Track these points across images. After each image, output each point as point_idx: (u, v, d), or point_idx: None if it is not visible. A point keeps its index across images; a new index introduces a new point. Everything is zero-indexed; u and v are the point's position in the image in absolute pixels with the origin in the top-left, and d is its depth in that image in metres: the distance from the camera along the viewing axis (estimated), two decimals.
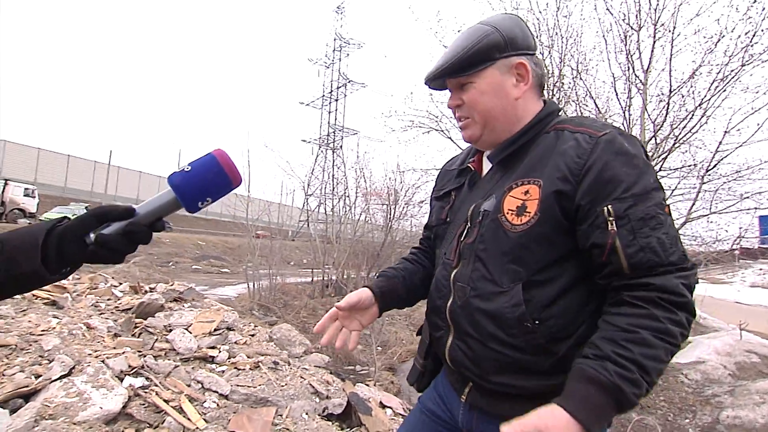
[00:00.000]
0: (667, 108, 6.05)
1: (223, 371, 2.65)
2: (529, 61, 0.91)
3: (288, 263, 11.43)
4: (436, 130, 7.87)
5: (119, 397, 2.06)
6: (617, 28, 6.28)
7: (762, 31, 5.41)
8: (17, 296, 3.03)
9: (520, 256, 0.83)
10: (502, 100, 0.90)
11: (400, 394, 3.85)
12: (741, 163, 5.88)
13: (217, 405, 2.28)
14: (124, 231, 0.59)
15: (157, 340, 2.85)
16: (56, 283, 3.43)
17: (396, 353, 5.46)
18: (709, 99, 5.79)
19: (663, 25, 5.99)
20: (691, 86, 5.96)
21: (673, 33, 5.90)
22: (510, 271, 0.84)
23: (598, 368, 0.71)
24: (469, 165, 1.02)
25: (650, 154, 6.20)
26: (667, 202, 0.79)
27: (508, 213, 0.84)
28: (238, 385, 2.46)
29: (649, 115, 6.32)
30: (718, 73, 5.68)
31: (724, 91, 5.73)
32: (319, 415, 2.55)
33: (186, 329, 3.02)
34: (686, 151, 6.33)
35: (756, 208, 5.88)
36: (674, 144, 6.09)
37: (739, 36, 5.53)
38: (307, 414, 2.47)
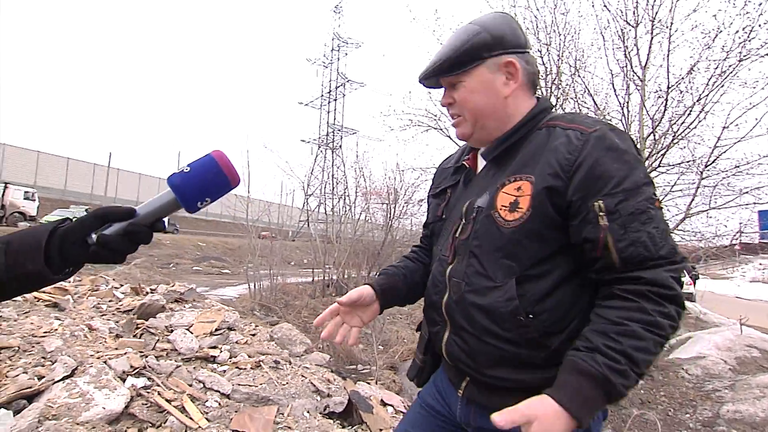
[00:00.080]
0: (666, 104, 6.05)
1: (225, 371, 2.66)
2: (519, 59, 0.91)
3: (288, 263, 11.44)
4: (435, 128, 7.87)
5: (122, 398, 2.08)
6: (615, 24, 6.28)
7: (759, 26, 5.42)
8: (19, 298, 3.05)
9: (513, 251, 0.84)
10: (491, 98, 0.91)
11: (402, 393, 3.86)
12: (740, 158, 5.88)
13: (219, 404, 2.30)
14: (125, 231, 0.60)
15: (158, 340, 2.87)
16: (58, 286, 3.45)
17: (397, 352, 5.47)
18: (708, 94, 5.78)
19: (660, 21, 5.99)
20: (689, 82, 5.96)
21: (670, 29, 5.90)
22: (503, 267, 0.85)
23: (588, 360, 0.73)
24: (464, 162, 1.03)
25: (649, 150, 6.21)
26: (659, 197, 0.80)
27: (501, 209, 0.86)
28: (239, 385, 2.48)
29: (647, 111, 6.32)
30: (715, 69, 5.68)
31: (722, 86, 5.73)
32: (320, 413, 2.57)
33: (187, 329, 3.03)
34: (685, 147, 6.33)
35: (755, 203, 5.88)
36: (673, 140, 6.09)
37: (737, 31, 5.53)
38: (308, 412, 2.48)
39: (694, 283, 13.94)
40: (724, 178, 5.98)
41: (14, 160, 23.80)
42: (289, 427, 2.28)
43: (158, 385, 2.30)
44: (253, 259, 7.54)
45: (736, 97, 5.77)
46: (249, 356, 2.88)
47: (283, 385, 2.60)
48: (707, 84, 5.75)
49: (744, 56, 5.52)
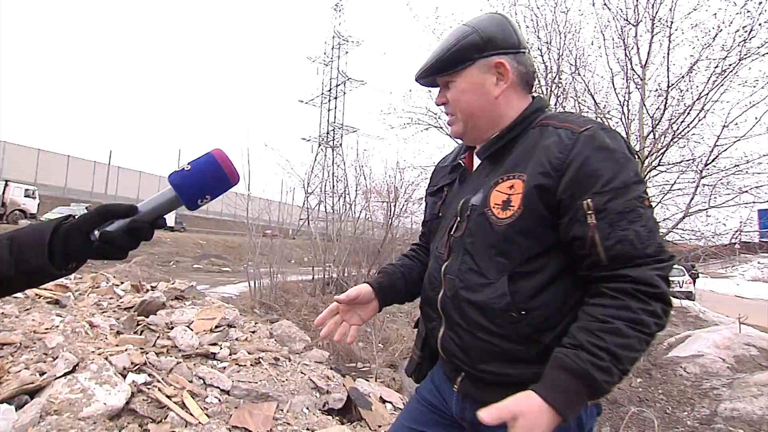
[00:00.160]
0: (666, 103, 6.05)
1: (225, 367, 2.68)
2: (511, 59, 0.93)
3: (289, 261, 11.47)
4: (435, 126, 7.89)
5: (122, 393, 2.10)
6: (615, 23, 6.28)
7: (759, 25, 5.42)
8: (20, 295, 3.07)
9: (506, 248, 0.86)
10: (482, 98, 0.93)
11: (401, 391, 3.88)
12: (739, 157, 5.88)
13: (219, 400, 2.32)
14: (127, 228, 0.62)
15: (159, 337, 2.89)
16: (59, 283, 3.47)
17: (397, 350, 5.48)
18: (708, 93, 5.78)
19: (660, 19, 5.99)
20: (690, 81, 5.96)
21: (670, 27, 5.90)
22: (496, 264, 0.86)
23: (572, 356, 0.75)
24: (460, 161, 1.05)
25: (649, 148, 6.21)
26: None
27: (494, 207, 0.87)
28: (239, 381, 2.49)
29: (647, 110, 6.32)
30: (716, 68, 5.68)
31: (722, 85, 5.74)
32: (319, 409, 2.59)
33: (187, 326, 3.05)
34: (685, 146, 6.33)
35: (754, 202, 5.88)
36: (672, 138, 6.09)
37: (737, 30, 5.53)
38: (307, 409, 2.50)
39: (694, 282, 13.99)
40: (723, 176, 5.98)
41: (15, 157, 23.82)
42: (289, 423, 2.30)
43: (159, 382, 2.32)
44: (253, 257, 7.54)
45: (736, 95, 5.76)
46: (249, 353, 2.90)
47: (283, 381, 2.62)
48: (707, 82, 5.75)
49: (744, 55, 5.52)
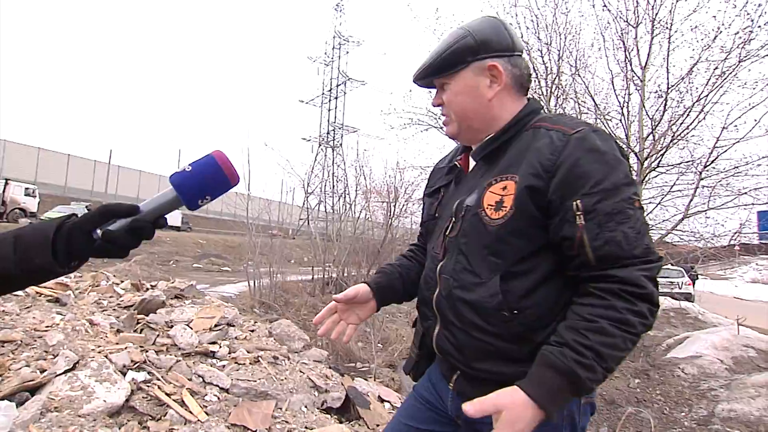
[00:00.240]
0: (665, 104, 6.06)
1: (224, 366, 2.69)
2: (505, 62, 0.94)
3: (288, 261, 11.48)
4: (435, 127, 7.91)
5: (122, 391, 2.11)
6: (615, 24, 6.30)
7: (759, 27, 5.43)
8: (21, 293, 3.08)
9: (499, 248, 0.87)
10: (475, 100, 0.95)
11: (401, 391, 3.89)
12: (739, 158, 5.88)
13: (218, 398, 2.33)
14: (129, 227, 0.63)
15: (158, 335, 2.90)
16: (59, 281, 3.48)
17: (397, 350, 5.49)
18: (707, 95, 5.80)
19: (660, 21, 6.00)
20: (689, 82, 5.98)
21: (670, 29, 5.92)
22: (489, 263, 0.88)
23: (557, 354, 0.76)
24: (456, 163, 1.07)
25: (648, 150, 6.22)
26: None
27: (487, 208, 0.89)
28: (238, 379, 2.51)
29: (647, 112, 6.34)
30: (715, 69, 5.70)
31: (722, 87, 5.75)
32: (318, 408, 2.60)
33: (187, 325, 3.07)
34: (684, 147, 6.34)
35: (753, 204, 5.89)
36: (672, 140, 6.10)
37: (737, 32, 5.54)
38: (306, 407, 2.52)
39: (693, 284, 13.99)
40: (723, 178, 5.99)
41: (15, 156, 23.83)
42: (287, 422, 2.31)
43: (158, 379, 2.33)
44: (253, 257, 7.55)
45: (736, 97, 5.78)
46: (248, 352, 2.91)
47: (282, 380, 2.63)
48: (706, 84, 5.76)
49: (744, 57, 5.54)
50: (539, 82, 6.93)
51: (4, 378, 2.06)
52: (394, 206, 9.09)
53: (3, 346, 2.31)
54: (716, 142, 5.79)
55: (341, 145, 36.13)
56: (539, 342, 0.83)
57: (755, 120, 5.56)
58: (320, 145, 37.55)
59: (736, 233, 6.21)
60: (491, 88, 0.94)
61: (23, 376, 2.05)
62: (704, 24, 5.76)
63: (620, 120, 6.53)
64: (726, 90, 5.77)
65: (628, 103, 6.46)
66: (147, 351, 2.59)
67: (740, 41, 5.48)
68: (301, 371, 2.82)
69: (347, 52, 38.69)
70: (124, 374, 2.29)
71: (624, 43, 6.22)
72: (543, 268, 0.86)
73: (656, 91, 6.26)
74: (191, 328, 3.02)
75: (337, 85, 38.54)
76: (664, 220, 6.46)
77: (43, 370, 2.15)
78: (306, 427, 2.33)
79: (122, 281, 4.36)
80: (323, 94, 39.19)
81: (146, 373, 2.36)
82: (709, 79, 5.74)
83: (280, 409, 2.41)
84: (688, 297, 12.39)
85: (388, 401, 3.04)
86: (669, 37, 5.93)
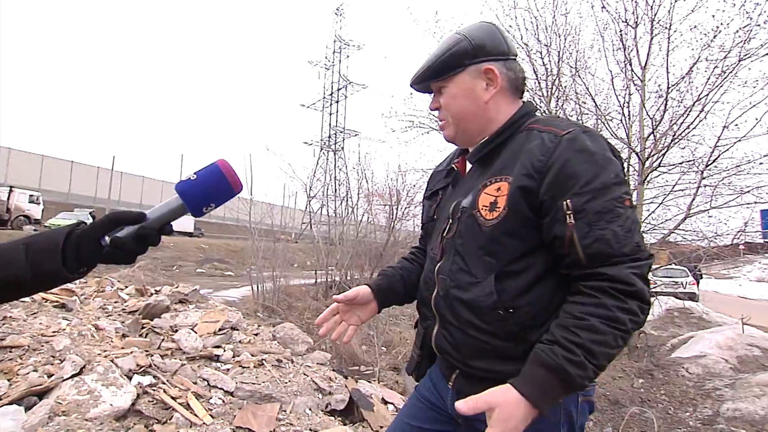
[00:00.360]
0: (666, 104, 6.06)
1: (228, 369, 2.72)
2: (500, 66, 0.96)
3: (291, 265, 11.50)
4: (436, 129, 7.92)
5: (128, 395, 2.13)
6: (614, 25, 6.32)
7: (758, 26, 5.43)
8: (27, 299, 3.11)
9: (493, 249, 0.89)
10: (472, 103, 0.97)
11: (405, 394, 3.90)
12: (740, 157, 5.88)
13: (223, 401, 2.35)
14: (136, 234, 0.65)
15: (163, 339, 2.93)
16: (65, 287, 3.51)
17: (400, 353, 5.49)
18: (708, 94, 5.80)
19: (660, 21, 6.01)
20: (689, 82, 5.98)
21: (669, 29, 5.92)
22: (484, 263, 0.90)
23: (548, 352, 0.78)
24: (453, 166, 1.09)
25: (649, 150, 6.22)
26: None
27: (482, 209, 0.91)
28: (242, 383, 2.53)
29: (647, 112, 6.34)
30: (715, 68, 5.70)
31: (722, 86, 5.75)
32: (322, 410, 2.62)
33: (191, 329, 3.09)
34: (685, 147, 6.34)
35: (756, 203, 5.87)
36: (673, 139, 6.10)
37: (737, 31, 5.55)
38: (310, 410, 2.53)
39: (698, 283, 13.91)
40: (725, 177, 5.98)
41: (19, 164, 24.00)
42: (291, 424, 2.33)
43: (164, 383, 2.35)
44: (256, 261, 7.58)
45: (737, 96, 5.79)
46: (252, 355, 2.93)
47: (286, 383, 2.65)
48: (706, 83, 5.77)
49: (744, 56, 5.54)
50: (539, 83, 6.95)
51: (12, 383, 2.09)
52: (397, 209, 9.11)
53: (11, 352, 2.34)
54: (717, 141, 5.78)
55: (343, 148, 36.28)
56: (533, 341, 0.84)
57: (756, 119, 5.55)
58: (322, 149, 37.67)
59: (739, 232, 6.20)
60: (488, 90, 0.96)
61: (31, 381, 2.08)
62: (703, 23, 5.77)
63: (621, 120, 6.54)
64: (726, 89, 5.78)
65: (628, 103, 6.47)
66: (152, 355, 2.62)
67: (740, 40, 5.49)
68: (304, 374, 2.84)
69: (348, 56, 38.87)
70: (130, 378, 2.32)
71: (623, 44, 6.23)
72: (537, 267, 0.88)
73: (656, 91, 6.28)
74: (196, 333, 3.04)
75: (338, 89, 38.69)
76: (666, 220, 6.46)
77: (50, 375, 2.18)
78: (310, 429, 2.35)
79: (126, 287, 4.40)
80: (324, 98, 39.35)
81: (152, 376, 2.39)
82: (709, 78, 5.75)
83: (285, 411, 2.43)
84: (693, 296, 12.31)
85: (392, 403, 3.05)
86: (668, 37, 5.94)
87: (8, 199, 16.45)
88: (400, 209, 9.14)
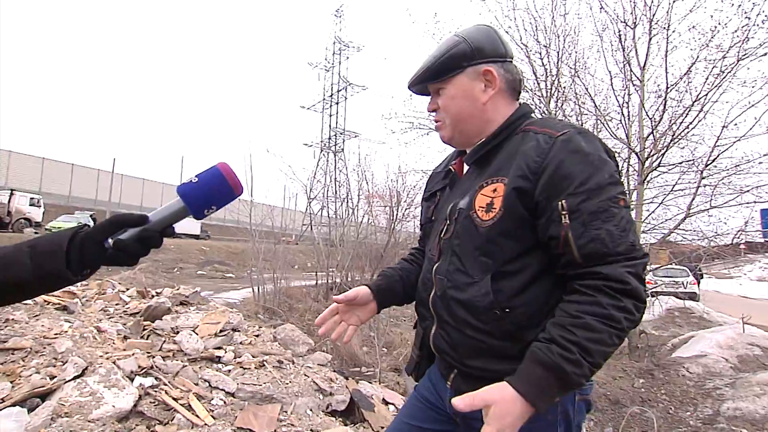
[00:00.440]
0: (665, 104, 6.07)
1: (230, 370, 2.73)
2: (498, 67, 0.98)
3: (292, 267, 11.50)
4: (436, 130, 7.92)
5: (130, 396, 2.14)
6: (613, 26, 6.34)
7: (756, 25, 5.45)
8: (30, 302, 3.13)
9: (489, 249, 0.90)
10: (470, 104, 0.98)
11: (406, 395, 3.90)
12: (740, 157, 5.88)
13: (224, 402, 2.36)
14: (139, 236, 0.66)
15: (165, 341, 2.94)
16: (66, 290, 3.53)
17: (401, 354, 5.49)
18: (707, 94, 5.81)
19: (658, 21, 6.03)
20: (688, 82, 5.99)
21: (668, 29, 5.94)
22: (481, 264, 0.91)
23: (544, 350, 0.79)
24: (451, 167, 1.10)
25: (649, 150, 6.23)
26: (624, 197, 0.85)
27: (478, 210, 0.92)
28: (244, 384, 2.54)
29: (647, 112, 6.35)
30: (713, 68, 5.71)
31: (721, 86, 5.76)
32: (322, 411, 2.63)
33: (193, 331, 3.10)
34: (685, 147, 6.35)
35: (755, 202, 5.88)
36: (672, 139, 6.11)
37: (735, 31, 5.57)
38: (311, 410, 2.54)
39: (698, 283, 13.89)
40: (724, 177, 5.98)
41: (20, 166, 24.04)
42: (293, 425, 2.34)
43: (165, 385, 2.37)
44: (256, 263, 7.59)
45: (736, 96, 5.79)
46: (253, 356, 2.94)
47: (287, 384, 2.66)
48: (705, 83, 5.78)
49: (742, 55, 5.55)
50: (539, 84, 6.96)
51: (14, 384, 2.10)
52: (397, 210, 9.12)
53: (13, 354, 2.35)
54: (717, 141, 5.80)
55: (343, 150, 36.32)
56: (530, 340, 0.85)
57: (755, 118, 5.57)
58: (322, 151, 37.70)
59: (739, 231, 6.20)
60: (486, 92, 0.97)
61: (33, 383, 2.09)
62: (702, 23, 5.79)
63: (620, 120, 6.55)
64: (725, 89, 5.79)
65: (627, 103, 6.48)
66: (154, 357, 2.63)
67: (738, 40, 5.51)
68: (305, 375, 2.85)
69: (347, 58, 38.90)
70: (132, 380, 2.33)
71: (622, 44, 6.25)
72: (533, 268, 0.89)
73: (655, 91, 6.29)
74: (197, 334, 3.06)
75: (338, 91, 38.72)
76: (666, 220, 6.47)
77: (52, 377, 2.19)
78: (311, 430, 2.36)
79: (128, 289, 4.41)
80: (324, 99, 39.36)
81: (153, 378, 2.40)
82: (708, 78, 5.76)
83: (286, 412, 2.44)
84: (693, 296, 12.30)
85: (393, 404, 3.06)
86: (667, 37, 5.96)
87: (9, 202, 16.48)
88: (401, 210, 9.17)
